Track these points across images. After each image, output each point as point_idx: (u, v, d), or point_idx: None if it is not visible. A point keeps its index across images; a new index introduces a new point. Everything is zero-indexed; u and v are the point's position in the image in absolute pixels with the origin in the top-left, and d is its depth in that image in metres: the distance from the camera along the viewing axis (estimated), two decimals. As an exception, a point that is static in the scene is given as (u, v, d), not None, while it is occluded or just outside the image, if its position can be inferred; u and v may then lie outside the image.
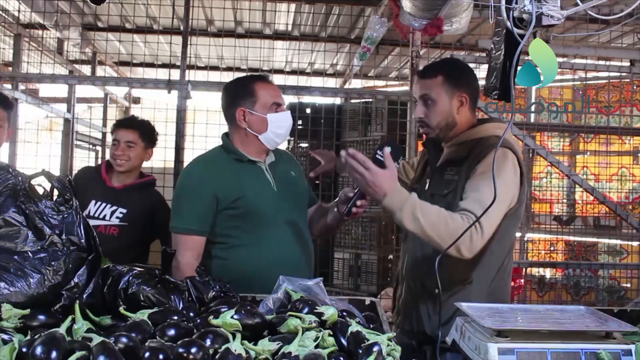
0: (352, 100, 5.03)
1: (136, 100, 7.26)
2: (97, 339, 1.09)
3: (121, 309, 1.34)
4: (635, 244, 5.52)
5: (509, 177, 1.88)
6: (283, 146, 5.10)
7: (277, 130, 2.13)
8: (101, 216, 2.73)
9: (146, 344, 1.15)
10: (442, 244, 1.72)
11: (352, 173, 1.74)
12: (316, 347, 1.21)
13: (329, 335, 1.26)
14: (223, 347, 1.15)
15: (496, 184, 1.53)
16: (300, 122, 4.79)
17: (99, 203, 2.76)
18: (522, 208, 1.99)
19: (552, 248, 6.12)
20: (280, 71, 6.01)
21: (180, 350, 1.12)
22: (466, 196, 1.83)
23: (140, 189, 2.87)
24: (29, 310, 1.26)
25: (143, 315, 1.31)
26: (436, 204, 1.85)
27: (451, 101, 2.01)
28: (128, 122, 2.99)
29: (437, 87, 2.01)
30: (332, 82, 6.74)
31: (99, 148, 6.16)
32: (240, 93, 2.15)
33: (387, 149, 1.75)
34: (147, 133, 2.90)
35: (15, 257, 1.33)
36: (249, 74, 2.39)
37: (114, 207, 2.76)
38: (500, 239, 1.92)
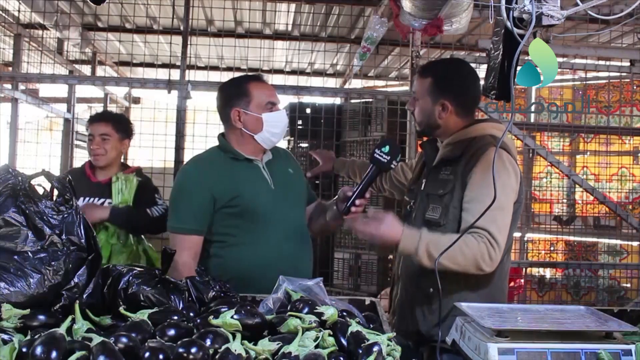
0: (352, 100, 5.03)
1: (136, 100, 7.25)
2: (97, 339, 1.09)
3: (121, 309, 1.33)
4: (635, 244, 5.51)
5: (510, 182, 1.90)
6: (283, 146, 5.13)
7: (273, 129, 2.13)
8: None
9: (146, 344, 1.14)
10: (463, 270, 1.81)
11: (362, 236, 1.88)
12: (316, 347, 1.21)
13: (329, 335, 1.26)
14: (223, 347, 1.14)
15: (498, 191, 1.56)
16: (300, 122, 4.79)
17: (86, 199, 2.80)
18: (521, 208, 2.00)
19: (552, 248, 6.12)
20: (280, 71, 6.01)
21: (180, 350, 1.12)
22: (471, 208, 1.85)
23: None
24: (29, 310, 1.26)
25: (143, 315, 1.31)
26: (432, 203, 1.87)
27: (434, 105, 2.05)
28: (101, 116, 3.05)
29: (424, 89, 2.07)
30: (332, 82, 6.73)
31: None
32: (235, 93, 2.15)
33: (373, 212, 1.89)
34: (121, 125, 2.94)
35: (15, 257, 1.33)
36: (243, 74, 2.39)
37: (101, 200, 2.80)
38: None
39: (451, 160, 2.01)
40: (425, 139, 2.24)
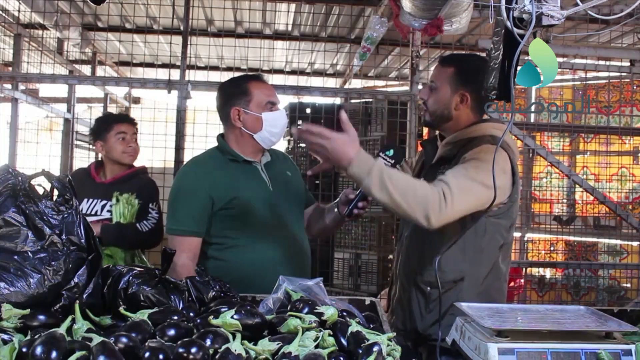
0: (352, 100, 5.03)
1: (136, 100, 7.25)
2: (97, 339, 1.09)
3: (121, 309, 1.33)
4: (635, 244, 5.52)
5: (496, 166, 1.86)
6: (283, 146, 5.13)
7: (272, 129, 2.13)
8: (93, 212, 2.80)
9: (146, 344, 1.14)
10: (410, 210, 1.68)
11: (312, 147, 1.67)
12: (316, 347, 1.21)
13: (329, 335, 1.26)
14: (223, 347, 1.14)
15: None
16: (300, 122, 4.79)
17: (90, 200, 2.83)
18: (516, 208, 1.99)
19: (552, 248, 6.12)
20: (280, 71, 6.01)
21: (180, 350, 1.12)
22: (444, 175, 1.81)
23: (129, 179, 2.94)
24: (29, 310, 1.25)
25: (143, 315, 1.31)
26: None
27: (452, 95, 2.03)
28: (126, 117, 3.20)
29: (444, 77, 2.05)
30: (332, 82, 6.74)
31: (99, 148, 6.14)
32: (235, 92, 2.14)
33: (343, 114, 1.67)
34: None
35: (15, 257, 1.32)
36: (243, 73, 2.39)
37: (104, 202, 2.83)
38: (490, 237, 1.93)
39: (449, 158, 2.01)
40: (425, 137, 2.23)
